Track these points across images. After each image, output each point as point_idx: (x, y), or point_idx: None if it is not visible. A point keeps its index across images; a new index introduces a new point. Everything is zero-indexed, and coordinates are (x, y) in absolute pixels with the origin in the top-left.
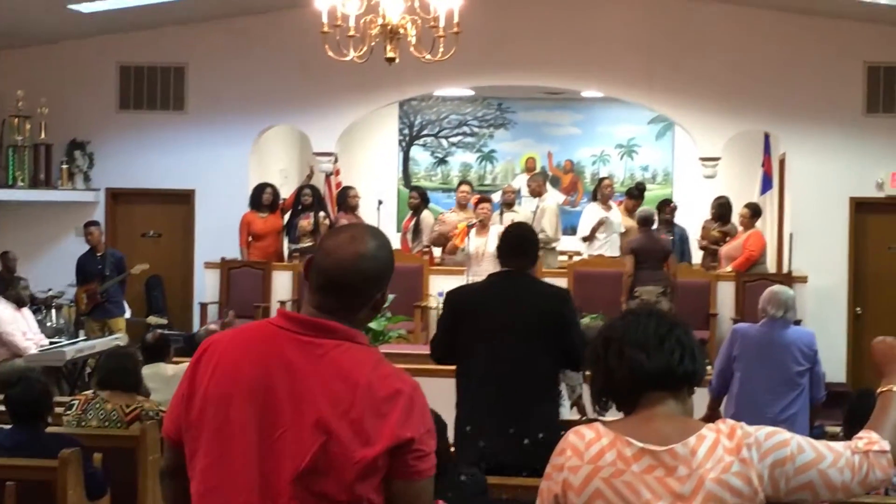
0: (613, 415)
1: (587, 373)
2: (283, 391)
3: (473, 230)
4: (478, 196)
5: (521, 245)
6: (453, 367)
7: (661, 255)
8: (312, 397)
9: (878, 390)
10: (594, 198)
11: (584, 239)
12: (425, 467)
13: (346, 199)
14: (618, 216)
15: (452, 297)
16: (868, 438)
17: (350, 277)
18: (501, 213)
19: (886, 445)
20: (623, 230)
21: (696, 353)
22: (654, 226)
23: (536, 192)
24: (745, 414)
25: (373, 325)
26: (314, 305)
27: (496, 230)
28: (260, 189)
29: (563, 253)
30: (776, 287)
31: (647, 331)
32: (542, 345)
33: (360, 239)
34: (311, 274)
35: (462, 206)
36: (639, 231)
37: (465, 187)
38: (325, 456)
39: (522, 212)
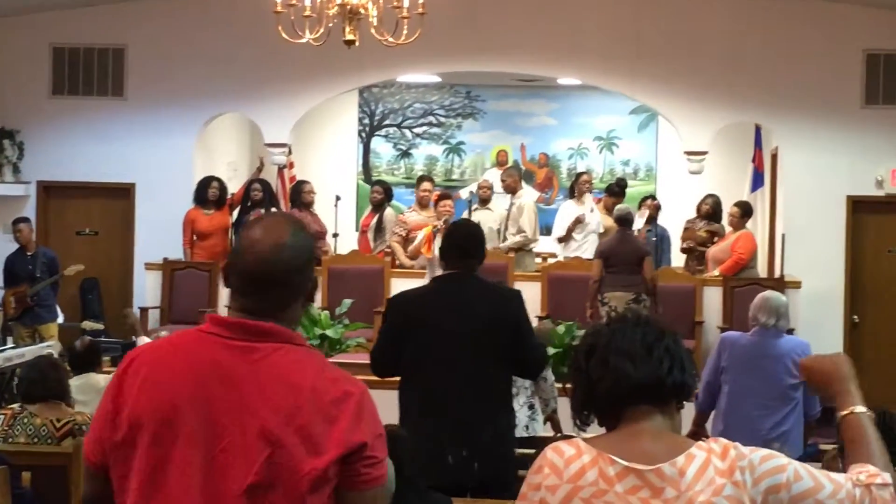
0: (595, 431)
1: (567, 385)
2: (221, 402)
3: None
4: (438, 192)
5: (467, 244)
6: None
7: (634, 259)
8: (254, 406)
9: (840, 414)
10: (571, 194)
11: (560, 240)
12: (378, 474)
13: (300, 195)
14: (596, 215)
15: (394, 304)
16: (868, 471)
17: (274, 271)
18: (471, 211)
19: (888, 478)
20: (602, 230)
21: (685, 364)
22: (633, 226)
23: (511, 189)
24: (733, 430)
25: (329, 332)
26: (241, 310)
27: None
28: (206, 183)
29: (538, 255)
30: (767, 293)
31: (634, 338)
32: (493, 353)
33: (275, 228)
34: (230, 278)
35: (423, 205)
36: (616, 231)
37: (426, 185)
38: (273, 468)
39: (497, 210)
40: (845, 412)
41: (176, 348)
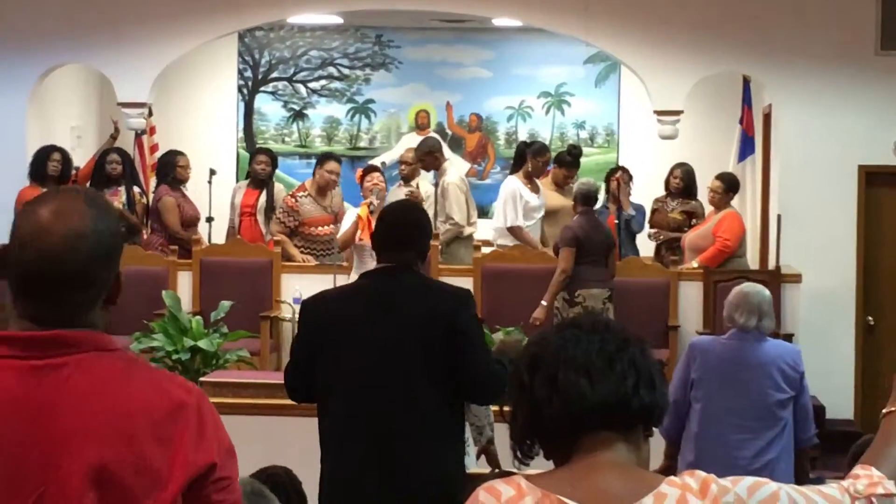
0: (540, 465)
1: (505, 407)
2: (24, 441)
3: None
4: (361, 169)
5: (402, 231)
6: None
7: (605, 248)
8: (69, 441)
9: (884, 411)
10: (516, 167)
11: (511, 229)
12: (233, 500)
13: (172, 169)
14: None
15: (310, 308)
16: (868, 478)
17: (69, 268)
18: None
19: (892, 486)
20: (541, 212)
21: (655, 380)
22: (598, 205)
23: (432, 166)
24: (706, 460)
25: (202, 344)
26: (28, 318)
27: None
28: (44, 155)
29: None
30: (745, 286)
31: (590, 348)
32: (432, 370)
33: (69, 210)
34: (9, 277)
35: (324, 191)
36: (577, 212)
37: (332, 165)
38: None
39: (422, 188)
40: (891, 409)
41: None
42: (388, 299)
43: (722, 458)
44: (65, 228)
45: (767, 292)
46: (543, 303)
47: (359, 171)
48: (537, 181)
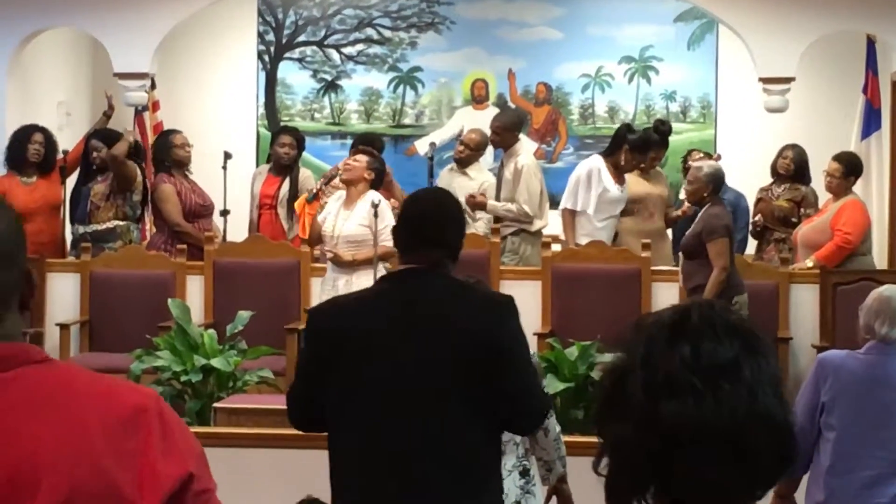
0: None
1: (588, 438)
2: None
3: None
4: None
5: (432, 225)
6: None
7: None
8: (13, 476)
9: None
10: (609, 153)
11: (564, 211)
12: None
13: (168, 152)
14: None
15: (319, 319)
16: None
17: None
18: (431, 176)
19: None
20: (620, 208)
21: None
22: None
23: (504, 143)
24: (839, 501)
25: (217, 363)
26: None
27: None
28: (23, 136)
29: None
30: (887, 289)
31: (721, 353)
32: (470, 396)
33: None
34: None
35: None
36: (709, 201)
37: (356, 157)
38: None
39: (480, 176)
40: None
41: None
42: (415, 308)
43: (857, 498)
44: None
45: None
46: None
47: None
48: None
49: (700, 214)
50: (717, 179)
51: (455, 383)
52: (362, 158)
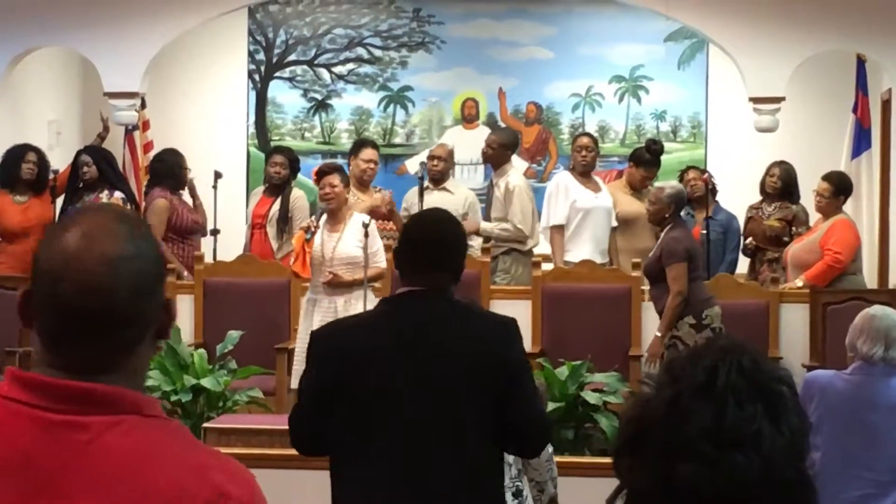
0: None
1: (575, 459)
2: None
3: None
4: (316, 169)
5: (435, 248)
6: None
7: (703, 259)
8: None
9: None
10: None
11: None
12: None
13: (179, 170)
14: (606, 198)
15: (322, 342)
16: None
17: (109, 301)
18: (422, 196)
19: None
20: (615, 223)
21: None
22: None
23: (496, 160)
24: None
25: (206, 383)
26: (58, 366)
27: None
28: (16, 156)
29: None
30: (875, 309)
31: (741, 426)
32: (479, 419)
33: (100, 232)
34: (36, 317)
35: (364, 184)
36: (668, 220)
37: (368, 153)
38: None
39: (459, 193)
40: None
41: None
42: (421, 330)
43: None
44: (102, 251)
45: None
46: (658, 333)
47: (314, 171)
48: (598, 179)
49: (661, 237)
50: (679, 200)
51: (466, 407)
52: (335, 180)
